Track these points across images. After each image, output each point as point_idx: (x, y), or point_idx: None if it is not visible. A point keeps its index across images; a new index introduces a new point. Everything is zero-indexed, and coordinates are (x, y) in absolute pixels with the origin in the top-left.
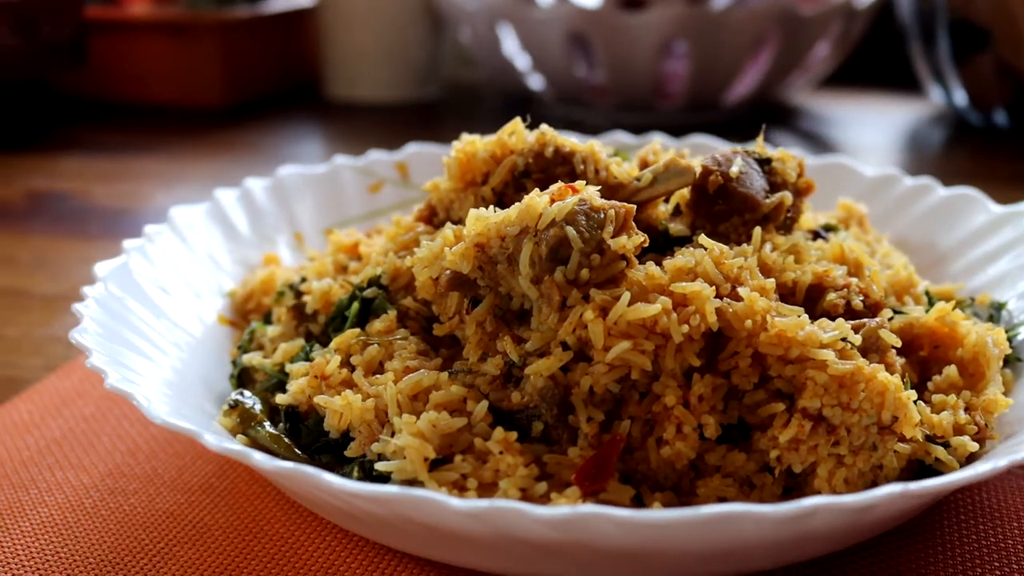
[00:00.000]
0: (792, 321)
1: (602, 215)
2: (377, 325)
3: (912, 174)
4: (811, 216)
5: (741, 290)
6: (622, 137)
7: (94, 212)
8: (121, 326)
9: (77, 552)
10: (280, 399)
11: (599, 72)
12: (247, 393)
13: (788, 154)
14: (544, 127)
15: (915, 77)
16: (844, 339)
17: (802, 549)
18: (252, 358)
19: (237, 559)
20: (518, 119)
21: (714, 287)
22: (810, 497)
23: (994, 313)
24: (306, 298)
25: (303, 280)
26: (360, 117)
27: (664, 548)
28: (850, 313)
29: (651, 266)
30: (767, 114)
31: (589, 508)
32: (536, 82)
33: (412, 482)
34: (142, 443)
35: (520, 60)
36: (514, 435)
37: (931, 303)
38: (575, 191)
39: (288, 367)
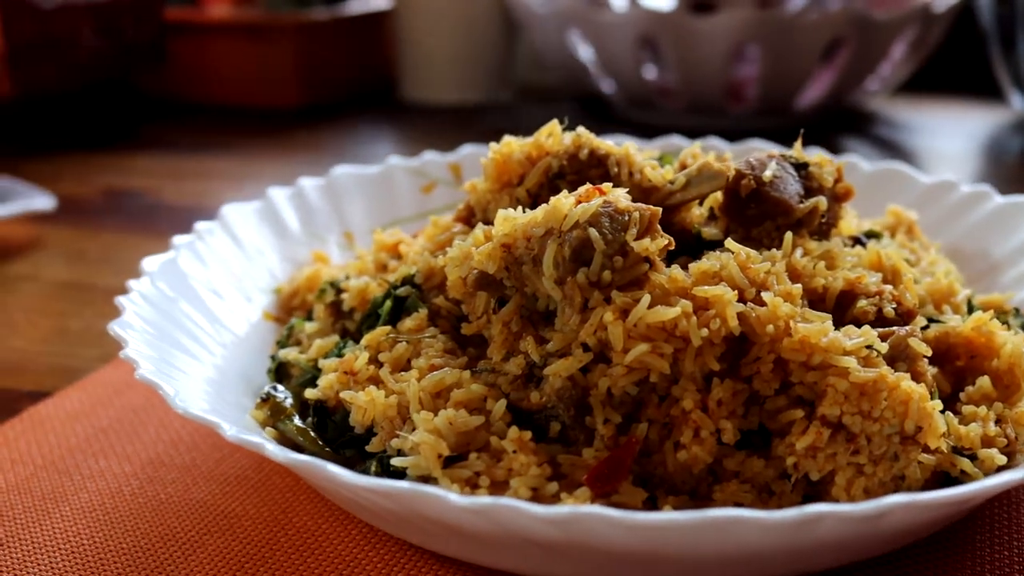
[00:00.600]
0: (815, 327)
1: (626, 217)
2: (408, 323)
3: (990, 182)
4: (854, 222)
5: (765, 295)
6: (677, 140)
7: (164, 209)
8: (163, 320)
9: (111, 538)
10: (309, 394)
11: (669, 75)
12: (280, 387)
13: (826, 159)
14: (580, 129)
15: (995, 83)
16: (870, 346)
17: (812, 558)
18: (288, 353)
19: (263, 549)
20: (555, 121)
21: (737, 291)
22: (815, 504)
23: None
24: (344, 295)
25: (346, 278)
26: (434, 119)
27: (662, 551)
28: (881, 321)
29: (675, 269)
30: (840, 119)
31: (586, 508)
32: (606, 85)
33: (427, 478)
34: (184, 434)
35: (590, 63)
36: (528, 435)
37: (971, 312)
38: (602, 193)
39: (321, 363)
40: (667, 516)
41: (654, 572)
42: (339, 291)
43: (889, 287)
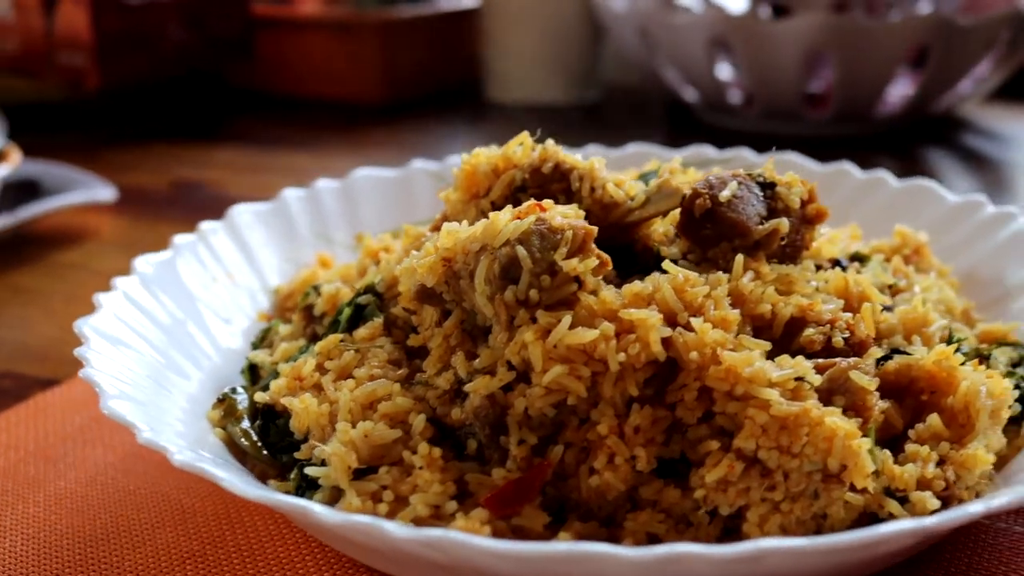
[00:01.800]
0: (741, 356)
1: (558, 236)
2: (362, 331)
3: None
4: (841, 245)
5: (694, 320)
6: (707, 151)
7: (226, 202)
8: (145, 321)
9: (73, 526)
10: (258, 397)
11: (743, 80)
12: (240, 389)
13: (796, 179)
14: (549, 142)
15: None
16: (801, 378)
17: None
18: (256, 355)
19: (207, 545)
20: (526, 133)
21: (666, 315)
22: (677, 544)
23: None
24: (317, 300)
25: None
26: (518, 119)
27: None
28: (829, 351)
29: (608, 290)
30: (925, 128)
31: (436, 532)
32: (684, 89)
33: (337, 489)
34: None
35: (667, 67)
36: (438, 451)
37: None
38: (542, 209)
39: (280, 366)
40: (491, 543)
41: None
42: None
43: (847, 315)
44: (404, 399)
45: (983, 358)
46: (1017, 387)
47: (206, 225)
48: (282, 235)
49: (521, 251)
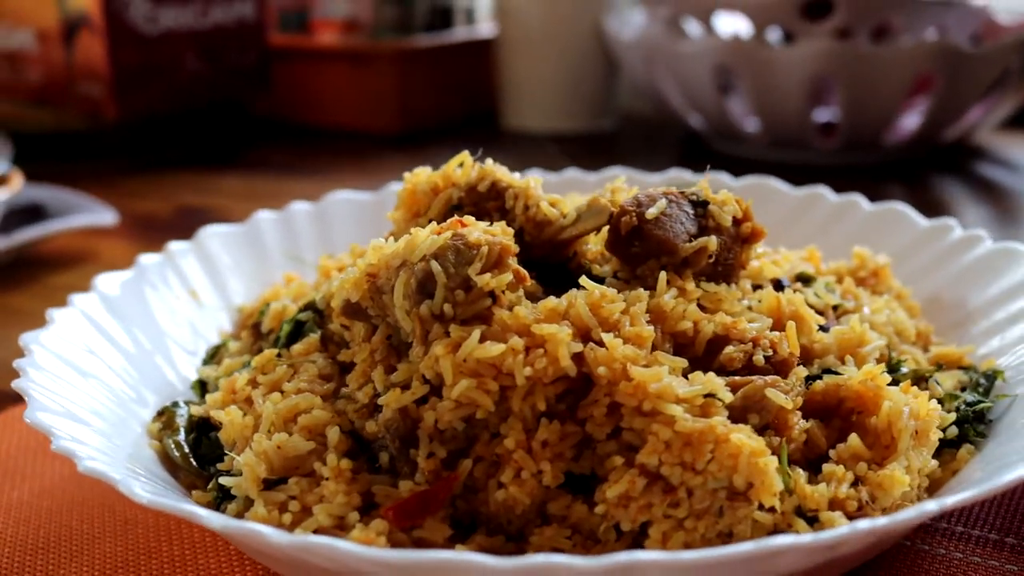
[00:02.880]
0: (650, 372)
1: (474, 252)
2: (297, 347)
3: None
4: (788, 266)
5: (605, 336)
6: (685, 175)
7: None
8: (98, 337)
9: (19, 534)
10: (194, 410)
11: (750, 107)
12: (182, 403)
13: (730, 197)
14: (488, 162)
15: None
16: (711, 395)
17: None
18: (204, 370)
19: (142, 555)
20: (466, 152)
21: (579, 331)
22: (536, 555)
23: (983, 382)
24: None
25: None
26: (533, 148)
27: None
28: (750, 369)
29: (523, 306)
30: (937, 157)
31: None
32: (692, 117)
33: (249, 499)
34: None
35: (675, 95)
36: (348, 463)
37: (892, 368)
38: (463, 225)
39: (221, 381)
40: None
41: None
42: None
43: (774, 334)
44: (323, 412)
45: (921, 380)
46: (958, 410)
47: (174, 245)
48: (252, 256)
49: (435, 266)
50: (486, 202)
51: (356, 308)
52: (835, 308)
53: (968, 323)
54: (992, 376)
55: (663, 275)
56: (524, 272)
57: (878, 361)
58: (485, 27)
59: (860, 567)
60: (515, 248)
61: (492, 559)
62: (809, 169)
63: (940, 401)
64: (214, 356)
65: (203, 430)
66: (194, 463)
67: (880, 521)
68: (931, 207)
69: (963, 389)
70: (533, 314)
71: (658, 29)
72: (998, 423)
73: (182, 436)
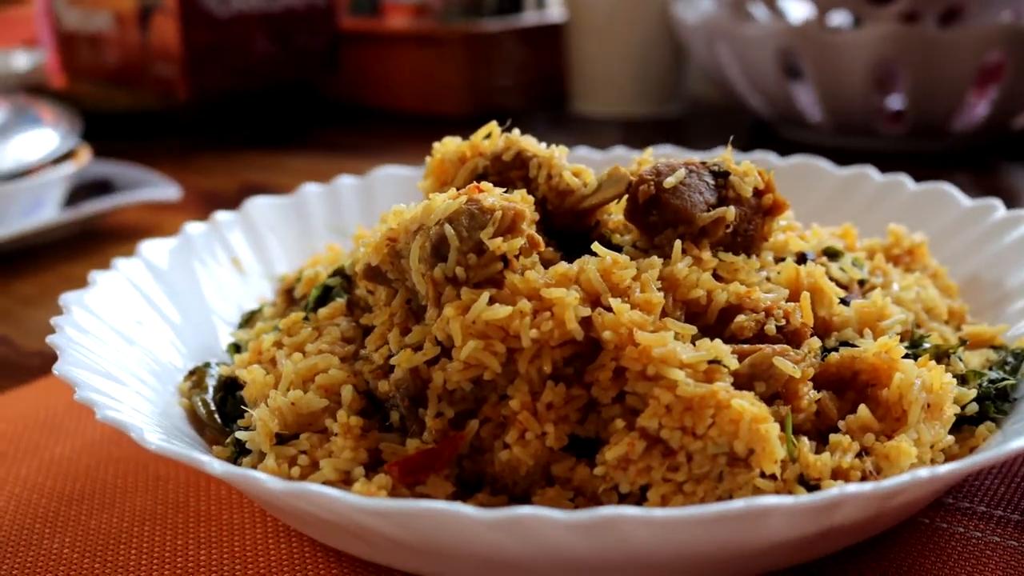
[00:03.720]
0: (655, 337)
1: (487, 216)
2: (323, 311)
3: None
4: (816, 240)
5: (613, 301)
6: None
7: None
8: (140, 300)
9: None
10: (223, 370)
11: (814, 93)
12: (213, 363)
13: (752, 169)
14: (515, 132)
15: None
16: (716, 361)
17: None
18: (238, 333)
19: (172, 509)
20: (494, 123)
21: (589, 296)
22: (523, 507)
23: (1011, 361)
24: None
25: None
26: (601, 131)
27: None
28: (761, 338)
29: (534, 270)
30: (1006, 144)
31: (302, 485)
32: (755, 102)
33: (263, 453)
34: None
35: (739, 79)
36: (358, 421)
37: (915, 343)
38: (480, 191)
39: (251, 343)
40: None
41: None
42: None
43: (789, 304)
44: (339, 372)
45: (943, 356)
46: (980, 387)
47: (220, 215)
48: (297, 228)
49: (449, 229)
50: (511, 171)
51: (377, 272)
52: (862, 284)
53: (1005, 303)
54: (1021, 355)
55: (678, 243)
56: (538, 238)
57: (901, 336)
58: (555, 11)
59: (872, 544)
60: (528, 214)
61: (473, 509)
62: (875, 156)
63: (963, 378)
64: (249, 321)
65: (230, 389)
66: (218, 419)
67: (865, 487)
68: (1000, 196)
69: (992, 368)
70: (544, 279)
71: (722, 12)
72: (1022, 401)
73: (210, 395)
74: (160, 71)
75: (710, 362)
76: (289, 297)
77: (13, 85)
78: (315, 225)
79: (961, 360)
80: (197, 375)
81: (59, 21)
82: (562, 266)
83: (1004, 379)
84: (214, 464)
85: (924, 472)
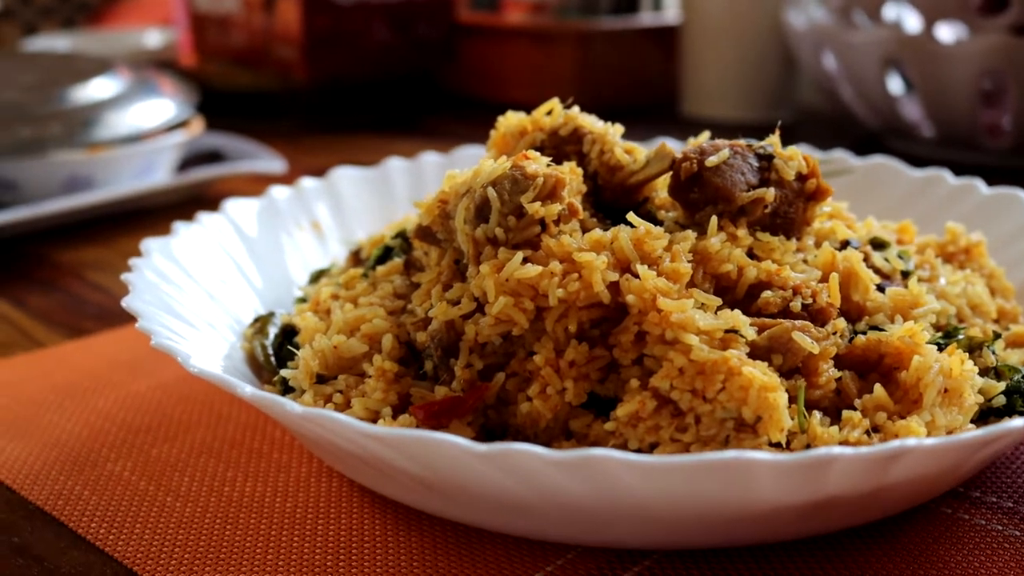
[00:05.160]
0: (676, 303)
1: (529, 182)
2: (381, 269)
3: None
4: (866, 231)
5: (640, 268)
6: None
7: None
8: (219, 251)
9: (127, 419)
10: (284, 317)
11: (919, 103)
12: (278, 312)
13: (798, 153)
14: (575, 109)
15: None
16: (733, 331)
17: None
18: (306, 288)
19: (227, 444)
20: (555, 99)
21: (620, 262)
22: (509, 443)
23: None
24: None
25: None
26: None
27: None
28: (786, 314)
29: (570, 236)
30: None
31: (319, 411)
32: (861, 110)
33: (303, 391)
34: None
35: (845, 88)
36: (393, 366)
37: (949, 334)
38: (527, 159)
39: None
40: (380, 429)
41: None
42: None
43: (817, 284)
44: (383, 322)
45: (977, 348)
46: (1012, 381)
47: (306, 181)
48: (378, 198)
49: (491, 192)
50: (566, 146)
51: (428, 232)
52: (906, 275)
53: None
54: None
55: (714, 219)
56: (577, 205)
57: (935, 327)
58: (670, 13)
59: (886, 524)
60: (572, 183)
61: (465, 441)
62: (980, 170)
63: (996, 371)
64: (318, 278)
65: (288, 336)
66: (273, 361)
67: (850, 449)
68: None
69: None
70: (579, 244)
71: (829, 19)
72: None
73: (270, 340)
74: (281, 54)
75: (728, 331)
76: (356, 258)
77: (144, 61)
78: (397, 197)
79: (995, 354)
80: (261, 322)
81: (192, 3)
82: (596, 232)
83: None
84: (245, 388)
85: (912, 441)
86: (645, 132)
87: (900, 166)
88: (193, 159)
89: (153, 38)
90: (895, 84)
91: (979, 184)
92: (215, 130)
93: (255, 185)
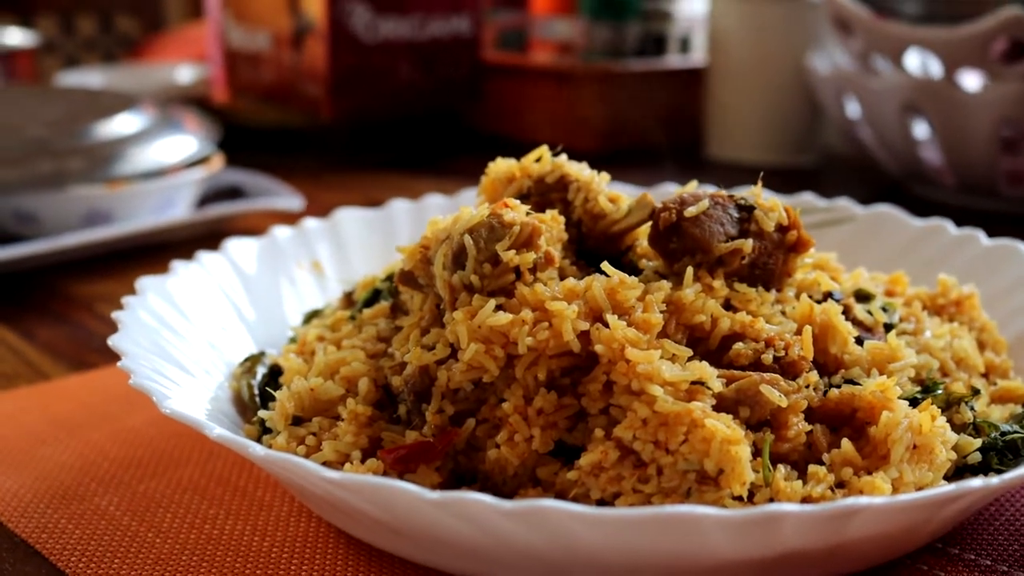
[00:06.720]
0: (643, 354)
1: (506, 230)
2: (368, 312)
3: None
4: (851, 283)
5: (610, 318)
6: (817, 201)
7: None
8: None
9: (119, 453)
10: (271, 358)
11: (938, 150)
12: (269, 352)
13: (778, 204)
14: (562, 157)
15: None
16: (700, 382)
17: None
18: (299, 328)
19: (214, 482)
20: (545, 147)
21: (592, 311)
22: (461, 491)
23: None
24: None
25: None
26: (734, 177)
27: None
28: (757, 366)
29: (544, 285)
30: None
31: (281, 455)
32: (882, 156)
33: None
34: None
35: (866, 133)
36: (366, 410)
37: (928, 389)
38: (506, 207)
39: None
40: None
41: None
42: None
43: (791, 337)
44: (361, 365)
45: (955, 404)
46: (989, 438)
47: (309, 222)
48: (381, 239)
49: (468, 240)
50: (552, 193)
51: (410, 276)
52: (889, 328)
53: None
54: None
55: (690, 269)
56: (554, 254)
57: (916, 381)
58: (696, 56)
59: None
60: (552, 231)
61: (419, 489)
62: (999, 217)
63: (976, 427)
64: (311, 318)
65: (275, 376)
66: (257, 401)
67: (802, 507)
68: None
69: (1011, 422)
70: (552, 292)
71: (851, 64)
72: None
73: (257, 380)
74: (308, 91)
75: (695, 383)
76: (349, 300)
77: (175, 96)
78: (399, 238)
79: (973, 410)
80: (250, 362)
81: (226, 39)
82: (570, 282)
83: (1015, 432)
84: (214, 429)
85: (864, 500)
86: (668, 174)
87: (902, 215)
88: (213, 195)
89: (185, 74)
90: (920, 130)
91: (980, 235)
92: (243, 166)
93: (274, 222)
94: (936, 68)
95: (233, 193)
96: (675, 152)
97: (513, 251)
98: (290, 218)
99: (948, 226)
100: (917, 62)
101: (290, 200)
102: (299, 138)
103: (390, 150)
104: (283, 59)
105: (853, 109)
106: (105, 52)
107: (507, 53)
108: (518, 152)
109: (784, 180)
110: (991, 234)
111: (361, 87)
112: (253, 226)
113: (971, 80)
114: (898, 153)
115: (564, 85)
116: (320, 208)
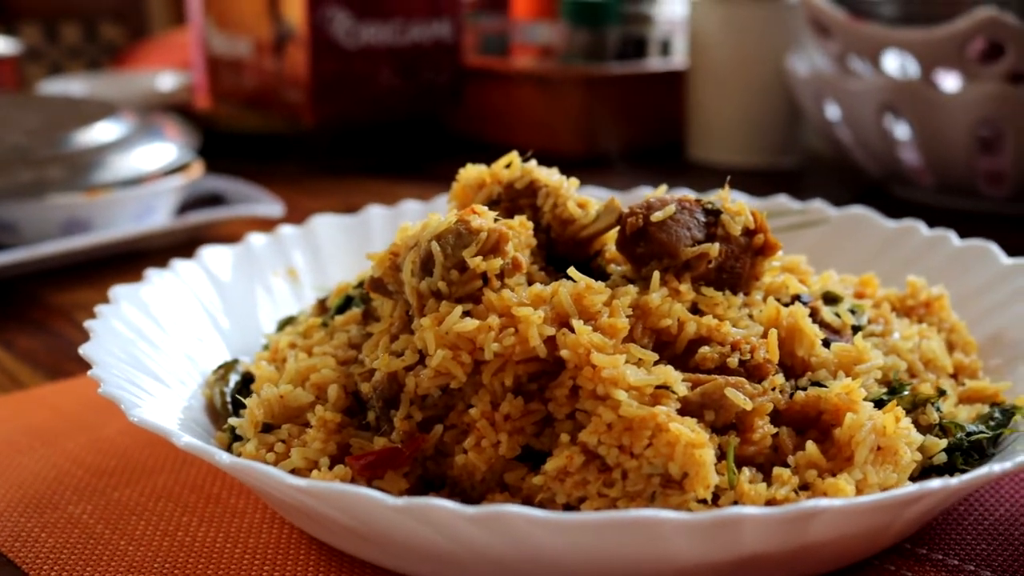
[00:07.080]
0: (607, 358)
1: (473, 236)
2: (339, 318)
3: None
4: (820, 286)
5: (576, 323)
6: (791, 203)
7: None
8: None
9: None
10: (244, 365)
11: (916, 150)
12: (241, 360)
13: (745, 208)
14: (531, 163)
15: None
16: (664, 387)
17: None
18: (272, 335)
19: (188, 489)
20: (515, 152)
21: (558, 316)
22: (424, 498)
23: (998, 416)
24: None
25: None
26: (715, 179)
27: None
28: (722, 370)
29: (511, 290)
30: None
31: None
32: (861, 157)
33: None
34: None
35: (845, 134)
36: (334, 416)
37: (894, 390)
38: (474, 213)
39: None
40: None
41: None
42: None
43: (757, 340)
44: (331, 371)
45: (922, 405)
46: (955, 439)
47: (285, 229)
48: (356, 245)
49: (435, 246)
50: (521, 199)
51: (380, 283)
52: (857, 329)
53: (1020, 362)
54: (1010, 412)
55: (656, 274)
56: (521, 260)
57: (880, 382)
58: (677, 59)
59: None
60: (520, 237)
61: (380, 495)
62: (980, 217)
63: (943, 427)
64: (285, 325)
65: (247, 382)
66: (229, 408)
67: (761, 509)
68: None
69: (977, 422)
70: (519, 298)
71: (829, 66)
72: (998, 455)
73: (230, 387)
74: (289, 97)
75: (660, 387)
76: (322, 306)
77: (157, 104)
78: (375, 244)
79: (939, 410)
80: (224, 369)
81: (209, 45)
82: (537, 287)
83: (980, 432)
84: (181, 438)
85: (823, 502)
86: (650, 174)
87: (875, 216)
88: (194, 202)
89: (167, 81)
90: (899, 131)
91: (952, 236)
92: (224, 172)
93: (255, 228)
94: (914, 69)
95: (214, 200)
96: (657, 154)
97: (480, 257)
98: (270, 225)
99: (921, 227)
100: (895, 63)
101: (270, 207)
102: (281, 144)
103: (372, 155)
104: (264, 65)
105: (832, 111)
106: (90, 60)
107: (488, 58)
108: (500, 156)
109: (764, 182)
110: (971, 234)
111: (342, 93)
112: (233, 233)
113: (949, 81)
114: (877, 154)
115: (545, 89)
116: (301, 215)
